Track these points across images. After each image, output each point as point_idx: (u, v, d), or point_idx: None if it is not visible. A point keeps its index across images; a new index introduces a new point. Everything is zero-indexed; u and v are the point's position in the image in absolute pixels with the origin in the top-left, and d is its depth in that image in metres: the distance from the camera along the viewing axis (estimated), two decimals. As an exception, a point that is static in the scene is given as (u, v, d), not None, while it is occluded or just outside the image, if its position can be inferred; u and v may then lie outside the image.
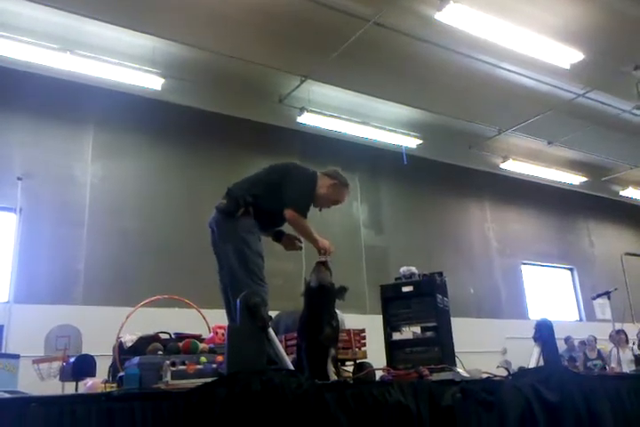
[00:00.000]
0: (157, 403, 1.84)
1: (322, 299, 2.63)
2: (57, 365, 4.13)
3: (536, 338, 2.79)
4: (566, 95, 8.55)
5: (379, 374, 3.46)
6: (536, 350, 2.79)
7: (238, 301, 2.05)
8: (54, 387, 3.91)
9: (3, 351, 4.20)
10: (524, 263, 11.45)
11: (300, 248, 3.86)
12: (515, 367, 6.82)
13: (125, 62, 6.76)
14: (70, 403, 1.70)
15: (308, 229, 3.50)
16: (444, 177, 10.58)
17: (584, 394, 2.68)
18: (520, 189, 11.39)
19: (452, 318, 4.29)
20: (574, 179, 11.23)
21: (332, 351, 2.60)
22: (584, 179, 11.23)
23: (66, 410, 1.65)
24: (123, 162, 7.62)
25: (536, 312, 11.10)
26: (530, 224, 11.74)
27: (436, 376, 2.78)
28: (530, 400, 2.52)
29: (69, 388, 3.93)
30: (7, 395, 2.75)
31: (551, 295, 11.71)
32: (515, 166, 10.62)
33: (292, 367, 2.18)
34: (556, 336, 9.87)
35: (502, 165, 10.59)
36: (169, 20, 6.51)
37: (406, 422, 2.22)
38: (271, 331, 2.07)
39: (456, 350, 4.12)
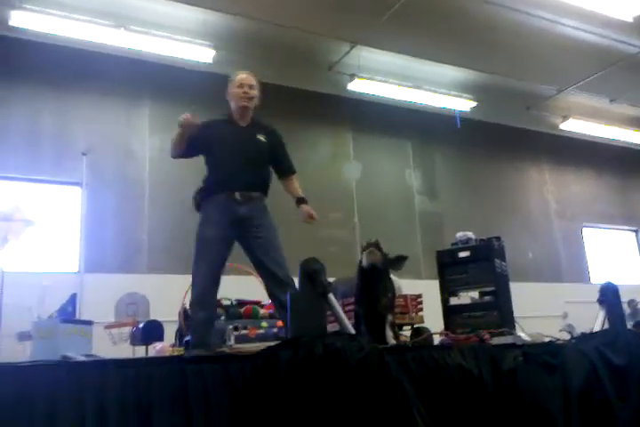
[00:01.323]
0: (225, 365, 1.93)
1: (374, 277, 2.66)
2: (127, 330, 4.34)
3: (601, 301, 2.74)
4: (629, 49, 8.12)
5: (437, 339, 3.49)
6: (601, 314, 2.74)
7: (299, 267, 2.10)
8: (126, 351, 4.12)
9: (76, 317, 4.43)
10: (586, 226, 11.13)
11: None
12: (577, 332, 6.72)
13: (177, 36, 6.84)
14: (145, 365, 1.80)
15: None
16: (500, 140, 10.30)
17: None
18: (580, 149, 10.98)
19: (510, 283, 4.25)
20: (638, 137, 10.75)
21: (390, 317, 2.63)
22: (649, 137, 10.74)
23: (142, 372, 1.75)
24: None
25: (598, 276, 10.84)
26: (591, 185, 11.36)
27: (496, 340, 2.77)
28: (595, 363, 2.49)
29: (140, 352, 4.13)
30: (85, 358, 2.93)
31: (614, 258, 11.38)
32: (575, 126, 10.23)
33: (353, 331, 2.22)
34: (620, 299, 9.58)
35: (562, 125, 10.22)
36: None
37: (468, 384, 2.24)
38: (331, 296, 2.11)
39: (515, 314, 4.09)
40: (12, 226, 5.80)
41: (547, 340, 2.65)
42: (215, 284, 3.32)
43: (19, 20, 6.23)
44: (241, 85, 3.70)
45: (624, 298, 10.73)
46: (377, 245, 2.90)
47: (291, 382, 1.91)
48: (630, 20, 6.95)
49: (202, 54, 7.11)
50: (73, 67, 7.14)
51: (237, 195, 3.42)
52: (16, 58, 6.90)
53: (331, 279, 3.56)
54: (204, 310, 3.13)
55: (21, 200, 6.52)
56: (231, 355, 2.02)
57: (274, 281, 3.28)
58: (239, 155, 3.52)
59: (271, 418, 1.84)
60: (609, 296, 2.73)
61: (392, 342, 2.50)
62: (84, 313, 5.15)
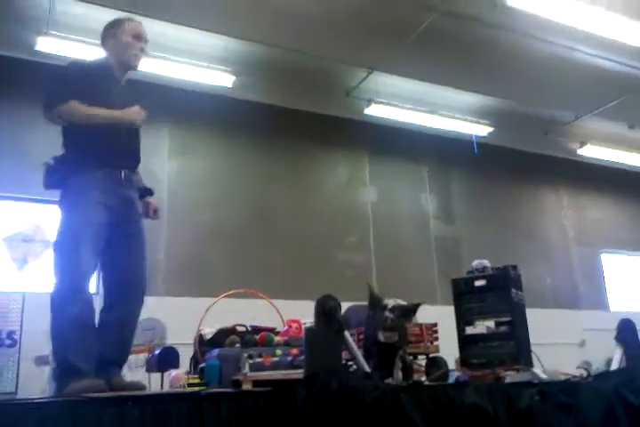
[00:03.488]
0: (241, 402, 1.94)
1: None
2: (143, 356, 4.36)
3: (618, 339, 2.71)
4: (647, 76, 8.13)
5: (453, 375, 3.46)
6: (618, 351, 2.72)
7: (315, 304, 2.12)
8: (141, 377, 4.13)
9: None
10: (604, 252, 11.02)
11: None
12: (594, 361, 6.61)
13: (198, 61, 6.99)
14: (162, 402, 1.82)
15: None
16: (517, 165, 10.30)
17: (670, 397, 2.59)
18: (598, 175, 10.93)
19: (527, 309, 4.22)
20: (657, 163, 10.70)
21: (400, 351, 2.63)
22: (667, 163, 10.67)
23: (159, 409, 1.77)
24: (197, 158, 7.89)
25: (617, 303, 10.69)
26: (609, 211, 11.27)
27: (512, 378, 2.76)
28: (612, 403, 2.46)
29: (155, 378, 4.15)
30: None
31: (633, 285, 11.23)
32: (593, 152, 10.19)
33: (368, 369, 2.23)
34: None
35: (580, 151, 10.18)
36: (238, 18, 6.65)
37: (483, 423, 2.23)
38: (347, 334, 2.12)
39: (532, 341, 4.06)
40: (32, 247, 5.91)
41: (563, 377, 2.63)
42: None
43: (45, 45, 6.41)
44: (138, 37, 2.98)
45: (643, 326, 10.46)
46: (392, 329, 2.79)
47: (306, 419, 1.92)
48: (647, 47, 6.98)
49: (222, 79, 7.23)
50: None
51: (122, 174, 2.80)
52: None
53: (346, 304, 3.57)
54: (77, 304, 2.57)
55: (42, 221, 6.63)
56: (247, 391, 2.03)
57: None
58: (126, 127, 2.85)
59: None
60: (626, 333, 2.71)
61: (399, 376, 2.50)
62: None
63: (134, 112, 2.78)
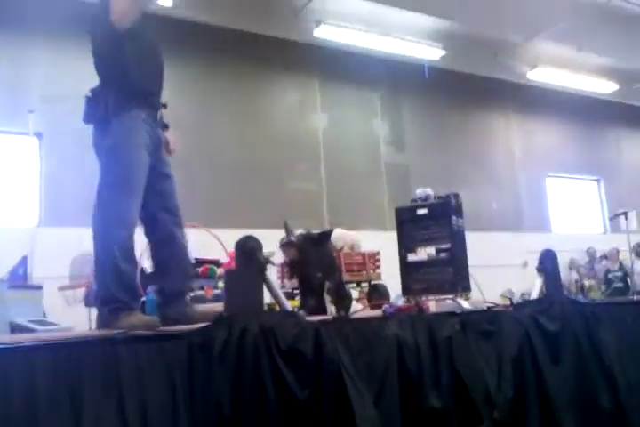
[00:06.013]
0: (161, 344, 1.95)
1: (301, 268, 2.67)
2: (82, 291, 4.34)
3: (539, 269, 2.81)
4: (598, -2, 8.01)
5: (398, 301, 3.57)
6: (538, 281, 2.82)
7: (235, 245, 2.09)
8: (80, 312, 4.13)
9: (28, 278, 4.40)
10: (549, 176, 11.29)
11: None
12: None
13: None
14: (77, 348, 1.81)
15: None
16: (468, 89, 10.22)
17: (586, 323, 2.73)
18: (547, 99, 10.97)
19: (474, 233, 4.33)
20: (605, 87, 10.77)
21: (328, 284, 2.67)
22: (615, 86, 10.75)
23: (73, 356, 1.76)
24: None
25: (560, 225, 11.09)
26: (556, 135, 11.44)
27: (437, 307, 2.85)
28: (529, 330, 2.59)
29: (95, 312, 4.15)
30: (33, 325, 2.95)
31: (576, 208, 11.63)
32: (543, 75, 10.19)
33: (290, 309, 2.26)
34: (579, 249, 9.84)
35: (530, 74, 10.16)
36: None
37: (405, 354, 2.31)
38: (268, 274, 2.12)
39: (477, 264, 4.19)
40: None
41: (486, 307, 2.73)
42: None
43: None
44: None
45: (583, 246, 11.00)
46: (289, 244, 2.86)
47: (225, 361, 1.94)
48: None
49: (160, -2, 6.80)
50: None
51: (159, 114, 2.79)
52: None
53: (299, 231, 3.58)
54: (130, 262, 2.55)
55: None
56: (167, 334, 2.04)
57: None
58: (158, 63, 2.81)
59: (205, 398, 1.88)
60: (548, 264, 2.80)
61: (331, 309, 2.55)
62: (40, 268, 5.08)
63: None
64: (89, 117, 2.66)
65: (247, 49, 8.33)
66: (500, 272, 8.49)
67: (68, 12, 6.91)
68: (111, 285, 2.47)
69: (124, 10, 2.53)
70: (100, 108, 2.60)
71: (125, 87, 2.61)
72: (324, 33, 8.12)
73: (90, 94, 2.68)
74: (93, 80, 2.68)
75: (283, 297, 2.19)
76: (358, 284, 5.11)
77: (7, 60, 6.82)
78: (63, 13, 6.90)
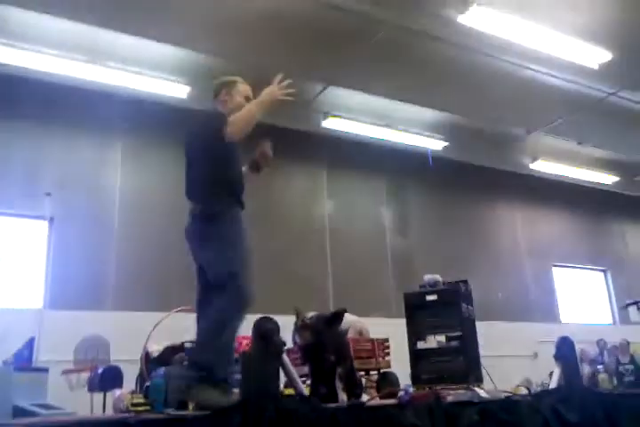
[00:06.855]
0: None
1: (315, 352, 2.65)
2: (86, 375, 4.23)
3: (557, 357, 2.76)
4: (596, 94, 8.37)
5: (407, 389, 3.45)
6: (557, 370, 2.76)
7: (252, 326, 2.08)
8: (83, 397, 4.01)
9: (34, 360, 4.30)
10: (556, 265, 11.26)
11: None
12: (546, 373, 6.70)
13: (152, 72, 6.91)
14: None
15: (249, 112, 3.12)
16: (472, 179, 10.46)
17: (606, 413, 2.65)
18: (550, 189, 11.19)
19: (481, 322, 4.25)
20: (606, 179, 11.03)
21: (339, 370, 2.61)
22: (616, 178, 11.01)
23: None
24: (150, 170, 7.75)
25: (568, 315, 10.92)
26: (561, 226, 11.54)
27: (453, 396, 2.77)
28: (548, 420, 2.50)
29: (98, 398, 4.03)
30: (37, 409, 2.86)
31: (584, 298, 11.50)
32: (544, 167, 10.48)
33: (305, 393, 2.20)
34: (589, 340, 9.59)
35: (532, 166, 10.44)
36: (193, 30, 6.59)
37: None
38: (285, 357, 2.09)
39: (486, 354, 4.09)
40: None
41: (504, 396, 2.65)
42: None
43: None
44: (247, 98, 3.40)
45: (593, 337, 10.76)
46: (304, 326, 2.82)
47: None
48: (596, 67, 7.21)
49: (176, 90, 7.15)
50: (43, 99, 7.09)
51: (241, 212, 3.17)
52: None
53: (311, 313, 3.53)
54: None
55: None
56: (180, 417, 1.98)
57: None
58: (241, 172, 3.39)
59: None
60: (565, 352, 2.76)
61: (343, 397, 2.47)
62: (42, 352, 5.00)
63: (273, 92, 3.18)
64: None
65: (259, 138, 8.63)
66: (510, 363, 8.27)
67: (81, 105, 7.30)
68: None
69: (244, 129, 3.07)
70: (212, 203, 3.06)
71: (227, 188, 3.13)
72: (332, 124, 8.46)
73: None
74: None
75: (299, 381, 2.14)
76: (367, 372, 4.94)
77: (27, 147, 7.06)
78: (75, 108, 7.24)
